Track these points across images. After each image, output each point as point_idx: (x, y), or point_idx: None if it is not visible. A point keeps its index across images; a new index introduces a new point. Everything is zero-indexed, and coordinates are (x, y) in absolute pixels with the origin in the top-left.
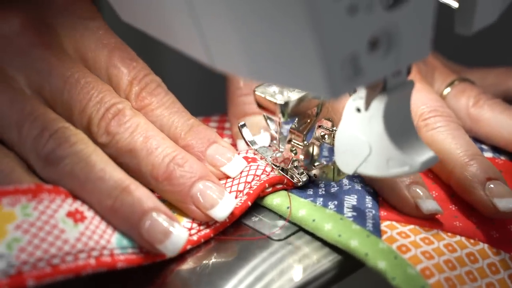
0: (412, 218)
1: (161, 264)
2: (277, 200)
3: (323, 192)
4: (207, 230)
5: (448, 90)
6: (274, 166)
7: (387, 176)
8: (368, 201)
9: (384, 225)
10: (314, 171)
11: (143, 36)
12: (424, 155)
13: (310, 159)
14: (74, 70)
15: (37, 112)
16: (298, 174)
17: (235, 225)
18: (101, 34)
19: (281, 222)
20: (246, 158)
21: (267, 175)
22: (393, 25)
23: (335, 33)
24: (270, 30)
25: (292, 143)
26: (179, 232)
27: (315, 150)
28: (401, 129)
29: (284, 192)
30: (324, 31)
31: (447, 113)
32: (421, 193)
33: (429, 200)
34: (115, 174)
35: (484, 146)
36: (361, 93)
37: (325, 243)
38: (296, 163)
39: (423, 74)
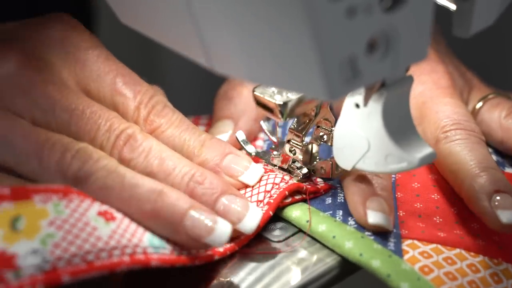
0: (434, 237)
1: None
2: (297, 212)
3: (342, 200)
4: (232, 243)
5: (480, 104)
6: (273, 166)
7: (385, 172)
8: (394, 218)
9: (405, 244)
10: (313, 167)
11: (142, 38)
12: (423, 152)
13: (309, 159)
14: (78, 102)
15: (54, 138)
16: (297, 168)
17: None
18: (102, 62)
19: (279, 225)
20: (264, 169)
21: (286, 183)
22: (392, 27)
23: (334, 35)
24: (268, 32)
25: (291, 143)
26: (221, 225)
27: (314, 149)
28: (400, 125)
29: (304, 205)
30: (322, 33)
31: (471, 127)
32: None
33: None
34: (147, 180)
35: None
36: (360, 88)
37: (324, 244)
38: (295, 163)
39: (459, 88)
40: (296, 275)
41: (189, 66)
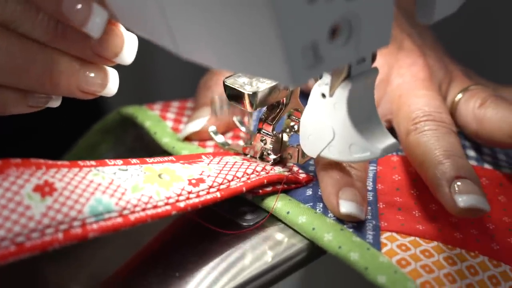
0: (413, 230)
1: (137, 241)
2: (278, 204)
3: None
4: (196, 200)
5: (460, 95)
6: (244, 155)
7: (349, 161)
8: (369, 210)
9: (384, 236)
10: (280, 154)
11: None
12: (385, 142)
13: (279, 148)
14: None
15: None
16: (267, 154)
17: (212, 214)
18: None
19: (249, 209)
20: (246, 159)
21: (267, 173)
22: (353, 14)
23: (295, 22)
24: (233, 19)
25: (262, 132)
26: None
27: (285, 138)
28: (364, 115)
29: (285, 197)
30: (284, 19)
31: (441, 118)
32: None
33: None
34: None
35: (472, 154)
36: (327, 79)
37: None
38: (266, 152)
39: (438, 80)
40: (267, 258)
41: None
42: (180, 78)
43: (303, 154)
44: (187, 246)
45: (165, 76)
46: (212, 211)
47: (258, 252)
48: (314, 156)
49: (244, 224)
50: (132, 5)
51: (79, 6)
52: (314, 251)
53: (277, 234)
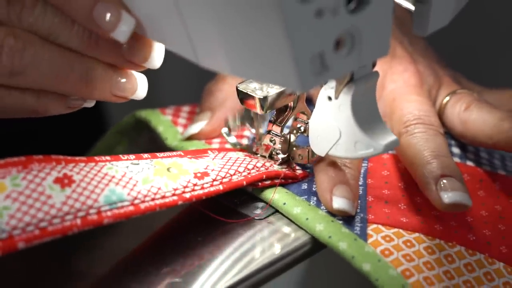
0: (397, 222)
1: (147, 230)
2: (275, 196)
3: (316, 190)
4: (200, 192)
5: (447, 99)
6: (255, 155)
7: (355, 157)
8: (358, 204)
9: (370, 228)
10: (291, 154)
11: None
12: (387, 139)
13: (287, 148)
14: None
15: None
16: (276, 154)
17: (221, 207)
18: None
19: (260, 204)
20: (248, 155)
21: (266, 169)
22: (356, 27)
23: (304, 34)
24: (248, 31)
25: (271, 133)
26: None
27: (292, 139)
28: (367, 115)
29: (282, 190)
30: (294, 32)
31: (430, 121)
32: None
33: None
34: None
35: (456, 151)
36: (332, 83)
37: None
38: (275, 152)
39: (428, 86)
40: (275, 249)
41: (181, 63)
42: (181, 81)
43: (313, 154)
44: (202, 237)
45: (166, 79)
46: (224, 206)
47: (267, 244)
48: (323, 155)
49: (250, 214)
50: (157, 19)
51: (109, 14)
52: (317, 244)
53: (284, 228)
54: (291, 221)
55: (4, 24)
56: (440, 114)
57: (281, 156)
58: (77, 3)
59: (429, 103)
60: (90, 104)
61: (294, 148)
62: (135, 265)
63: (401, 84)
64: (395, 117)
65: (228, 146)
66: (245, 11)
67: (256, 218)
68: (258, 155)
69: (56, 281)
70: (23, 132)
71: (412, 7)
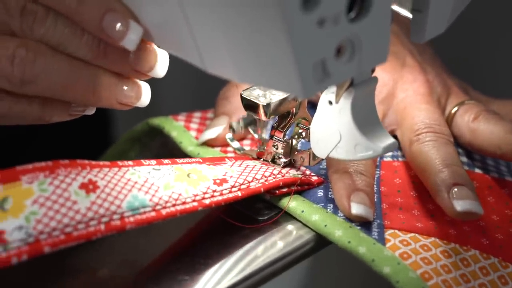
0: (413, 227)
1: (159, 231)
2: (292, 203)
3: (332, 197)
4: (219, 198)
5: (456, 109)
6: (258, 159)
7: (354, 159)
8: (374, 210)
9: (387, 233)
10: (293, 157)
11: None
12: (385, 141)
13: (289, 152)
14: None
15: None
16: (279, 158)
17: (228, 209)
18: None
19: (266, 205)
20: (264, 163)
21: (283, 176)
22: (356, 35)
23: (306, 42)
24: (253, 39)
25: (274, 139)
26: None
27: (294, 143)
28: (366, 119)
29: (299, 197)
30: (297, 40)
31: (440, 130)
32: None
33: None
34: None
35: (464, 160)
36: (332, 88)
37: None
38: (277, 156)
39: (437, 95)
40: (279, 247)
41: (181, 72)
42: (180, 88)
43: (314, 156)
44: (211, 238)
45: (167, 85)
46: (233, 208)
47: (271, 242)
48: (324, 157)
49: (260, 218)
50: (165, 27)
51: (118, 24)
52: (319, 242)
53: (288, 226)
54: (295, 219)
55: (16, 34)
56: (449, 123)
57: (283, 160)
58: (87, 14)
59: (439, 112)
60: (91, 111)
61: (295, 152)
62: (151, 265)
63: (411, 93)
64: (406, 125)
65: (230, 149)
66: (251, 20)
67: (260, 218)
68: (261, 159)
69: (57, 279)
70: (27, 134)
71: (409, 15)
